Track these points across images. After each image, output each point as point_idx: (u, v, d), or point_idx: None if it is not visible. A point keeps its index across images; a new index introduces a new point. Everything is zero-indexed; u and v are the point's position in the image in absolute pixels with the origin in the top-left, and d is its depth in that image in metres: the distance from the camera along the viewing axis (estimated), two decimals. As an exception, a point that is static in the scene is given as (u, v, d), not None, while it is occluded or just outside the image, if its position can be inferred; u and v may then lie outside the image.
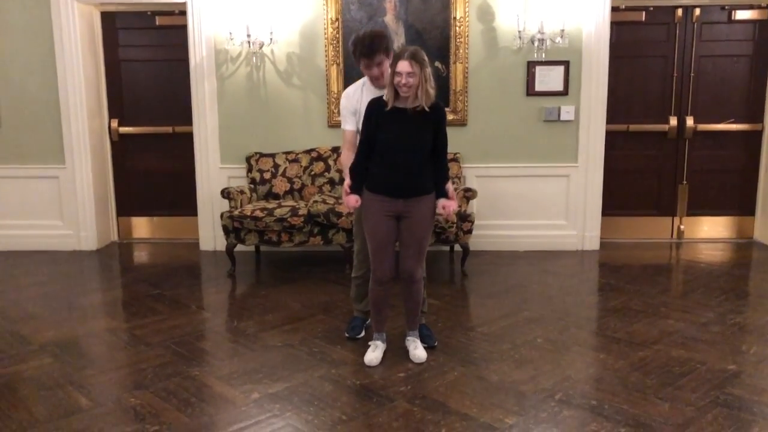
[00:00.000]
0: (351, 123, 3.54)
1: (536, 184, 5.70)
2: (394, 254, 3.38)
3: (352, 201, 3.27)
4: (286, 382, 3.22)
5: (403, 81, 3.08)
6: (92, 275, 5.43)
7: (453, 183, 5.03)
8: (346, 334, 3.79)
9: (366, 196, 3.34)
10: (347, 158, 3.50)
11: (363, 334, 3.79)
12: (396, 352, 3.51)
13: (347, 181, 3.33)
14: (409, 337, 3.53)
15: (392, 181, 3.25)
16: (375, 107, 3.25)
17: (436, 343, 3.62)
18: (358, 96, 3.51)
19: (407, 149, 3.21)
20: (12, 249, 5.88)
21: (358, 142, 3.46)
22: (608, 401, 2.99)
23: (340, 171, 5.50)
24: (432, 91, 3.17)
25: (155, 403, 3.01)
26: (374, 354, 3.44)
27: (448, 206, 3.27)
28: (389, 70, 3.22)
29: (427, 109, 3.17)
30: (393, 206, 3.28)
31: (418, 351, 3.45)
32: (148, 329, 3.97)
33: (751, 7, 5.67)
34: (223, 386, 3.19)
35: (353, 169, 3.34)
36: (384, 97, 3.21)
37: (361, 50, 3.39)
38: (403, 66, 3.08)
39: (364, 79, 3.58)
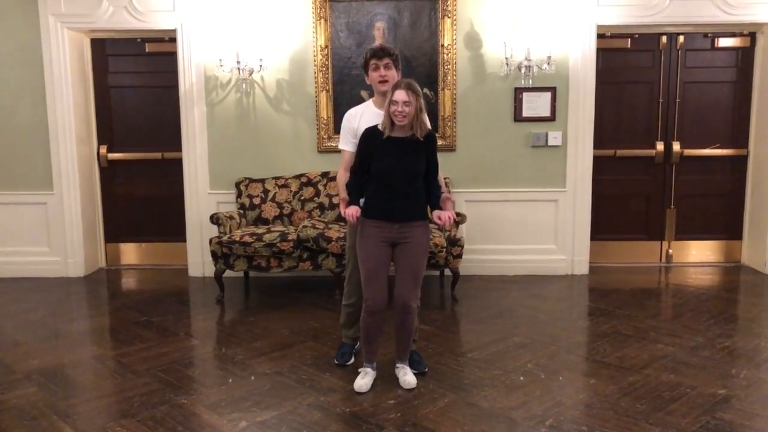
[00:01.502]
0: (350, 144, 3.56)
1: (525, 209, 5.72)
2: (387, 283, 3.37)
3: (352, 211, 3.27)
4: (275, 410, 3.18)
5: (399, 109, 3.16)
6: (79, 302, 5.38)
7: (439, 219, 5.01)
8: (336, 361, 3.76)
9: (361, 222, 3.36)
10: (343, 177, 3.54)
11: (353, 360, 3.76)
12: (386, 379, 3.49)
13: (343, 196, 3.39)
14: (398, 365, 3.50)
15: (388, 205, 3.28)
16: (370, 136, 3.31)
17: (426, 370, 3.60)
18: (359, 119, 3.54)
19: (402, 177, 3.26)
20: (-2, 276, 5.84)
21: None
22: (599, 427, 2.98)
23: (329, 195, 5.50)
24: (426, 121, 3.30)
25: (141, 433, 2.97)
26: (364, 381, 3.41)
27: (442, 215, 3.28)
28: (394, 78, 3.39)
29: (421, 138, 3.26)
30: (388, 232, 3.29)
31: (408, 377, 3.43)
32: (135, 357, 3.92)
33: (733, 35, 5.78)
34: (211, 415, 3.15)
35: (349, 186, 3.39)
36: (379, 126, 3.28)
37: (373, 51, 3.54)
38: (400, 95, 3.17)
39: (367, 103, 3.64)
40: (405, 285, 3.33)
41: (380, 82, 3.49)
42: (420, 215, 3.35)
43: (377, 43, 5.45)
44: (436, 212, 3.32)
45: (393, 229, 3.29)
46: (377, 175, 3.28)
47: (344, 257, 4.91)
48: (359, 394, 3.35)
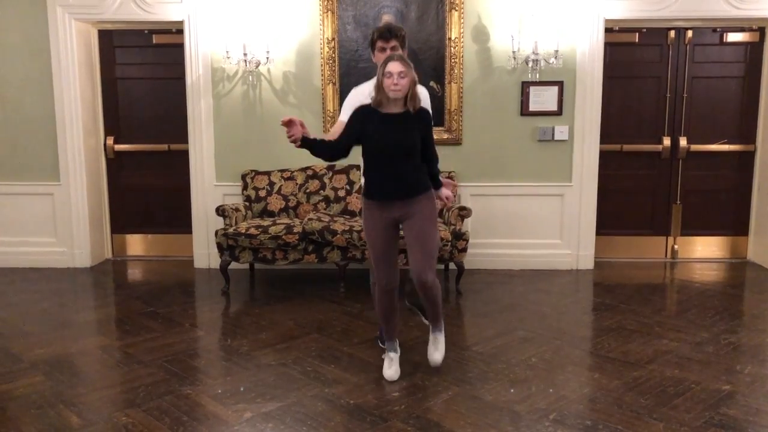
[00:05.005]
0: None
1: (531, 203, 5.72)
2: (397, 261, 3.37)
3: (291, 119, 3.17)
4: (279, 402, 3.20)
5: (395, 81, 3.10)
6: (86, 292, 5.40)
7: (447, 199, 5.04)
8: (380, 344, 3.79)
9: (364, 204, 3.34)
10: (328, 137, 3.46)
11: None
12: (390, 371, 3.50)
13: (311, 135, 3.25)
14: (432, 332, 3.50)
15: (387, 183, 3.23)
16: (364, 114, 3.24)
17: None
18: (363, 97, 3.43)
19: (399, 153, 3.20)
20: (5, 266, 5.86)
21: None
22: (603, 421, 2.98)
23: (335, 188, 5.51)
24: (419, 95, 3.23)
25: (147, 422, 2.99)
26: (392, 370, 3.44)
27: (441, 193, 3.34)
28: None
29: (413, 111, 3.20)
30: (391, 212, 3.26)
31: (436, 353, 3.46)
32: (141, 347, 3.95)
33: (742, 29, 5.74)
34: (216, 405, 3.17)
35: (321, 139, 3.28)
36: (372, 103, 3.21)
37: (379, 32, 3.50)
38: (394, 66, 3.11)
39: (372, 82, 3.54)
40: (418, 260, 3.24)
41: None
42: (421, 188, 3.28)
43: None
44: (444, 191, 3.37)
45: (395, 207, 3.25)
46: (374, 153, 3.23)
47: (349, 250, 4.97)
48: (390, 382, 3.39)
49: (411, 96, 3.17)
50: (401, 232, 3.36)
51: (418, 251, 3.25)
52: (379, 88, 3.17)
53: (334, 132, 3.48)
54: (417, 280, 3.26)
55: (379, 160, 3.23)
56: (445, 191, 3.43)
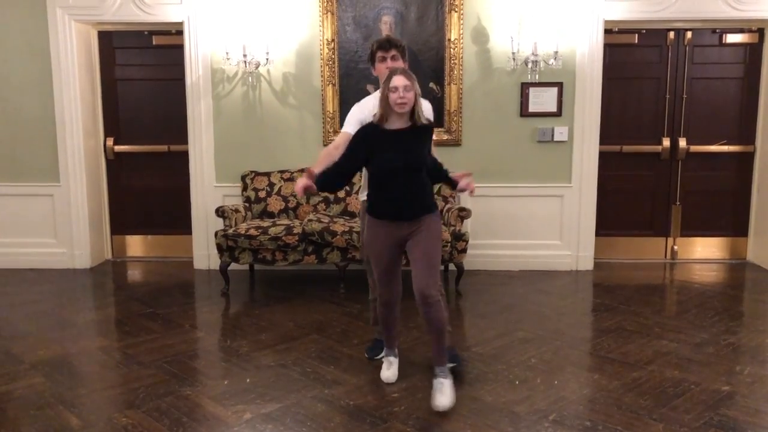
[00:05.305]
0: (354, 130, 3.40)
1: (530, 204, 5.72)
2: (401, 276, 3.35)
3: (305, 184, 3.07)
4: (279, 403, 3.20)
5: (401, 95, 3.02)
6: (85, 293, 5.40)
7: (447, 202, 5.09)
8: (366, 355, 3.75)
9: (369, 222, 3.28)
10: (331, 152, 3.38)
11: (383, 354, 3.65)
12: (390, 372, 3.50)
13: (314, 168, 3.17)
14: (435, 377, 3.17)
15: (396, 204, 3.16)
16: (368, 134, 3.15)
17: (459, 362, 3.50)
18: (368, 111, 3.36)
19: (409, 170, 3.12)
20: (5, 267, 5.85)
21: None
22: (602, 422, 2.98)
23: (334, 190, 5.51)
24: (423, 107, 3.22)
25: (147, 423, 2.99)
26: (390, 371, 3.44)
27: (463, 186, 3.22)
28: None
29: (426, 122, 3.18)
30: (398, 231, 3.19)
31: (442, 398, 3.08)
32: (140, 348, 3.95)
33: (741, 30, 5.75)
34: (216, 406, 3.17)
35: (326, 173, 3.17)
36: (374, 120, 3.14)
37: (379, 43, 3.50)
38: (399, 80, 3.03)
39: (375, 95, 3.49)
40: (421, 275, 3.15)
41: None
42: (429, 207, 3.22)
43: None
44: (462, 183, 3.22)
45: (402, 227, 3.18)
46: (382, 173, 3.13)
47: (348, 251, 4.97)
48: (388, 384, 3.38)
49: (419, 109, 3.11)
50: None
51: (421, 266, 3.16)
52: (384, 103, 3.08)
53: (338, 144, 3.39)
54: (419, 294, 3.14)
55: (387, 180, 3.13)
56: (462, 183, 3.25)
